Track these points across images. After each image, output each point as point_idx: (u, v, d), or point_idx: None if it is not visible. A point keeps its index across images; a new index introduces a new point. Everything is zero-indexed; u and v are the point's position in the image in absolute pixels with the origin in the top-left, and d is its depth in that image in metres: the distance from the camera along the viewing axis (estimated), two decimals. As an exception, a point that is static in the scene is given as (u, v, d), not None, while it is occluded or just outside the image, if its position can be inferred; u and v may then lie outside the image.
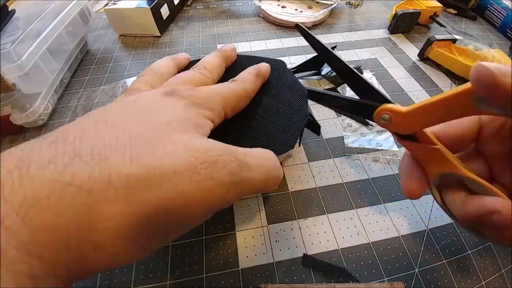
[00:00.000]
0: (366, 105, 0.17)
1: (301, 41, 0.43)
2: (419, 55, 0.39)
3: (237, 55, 0.24)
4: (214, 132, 0.16)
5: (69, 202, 0.09)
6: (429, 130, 0.16)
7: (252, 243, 0.22)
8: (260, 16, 0.49)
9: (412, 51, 0.41)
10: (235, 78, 0.19)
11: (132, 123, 0.12)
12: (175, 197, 0.11)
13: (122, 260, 0.11)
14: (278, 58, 0.24)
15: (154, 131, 0.12)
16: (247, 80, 0.19)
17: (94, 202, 0.09)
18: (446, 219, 0.23)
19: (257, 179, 0.13)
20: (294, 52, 0.41)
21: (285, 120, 0.20)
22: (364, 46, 0.42)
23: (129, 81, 0.36)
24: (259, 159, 0.14)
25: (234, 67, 0.23)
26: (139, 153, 0.11)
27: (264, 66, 0.21)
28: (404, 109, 0.15)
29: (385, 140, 0.28)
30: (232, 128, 0.19)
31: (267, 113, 0.20)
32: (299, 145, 0.19)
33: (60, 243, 0.09)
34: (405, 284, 0.19)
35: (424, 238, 0.22)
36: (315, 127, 0.25)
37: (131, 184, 0.10)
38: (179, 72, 0.21)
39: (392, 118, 0.16)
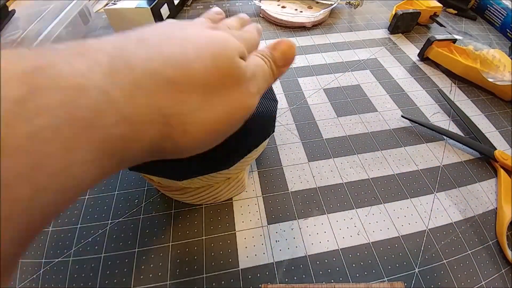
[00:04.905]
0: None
1: (301, 41, 0.43)
2: (419, 55, 0.39)
3: None
4: None
5: (164, 90, 0.11)
6: None
7: (252, 243, 0.22)
8: (260, 16, 0.49)
9: (412, 51, 0.41)
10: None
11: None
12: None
13: (201, 147, 0.13)
14: None
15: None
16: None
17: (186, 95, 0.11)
18: (446, 219, 0.23)
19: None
20: (294, 52, 0.41)
21: (260, 110, 0.21)
22: (364, 46, 0.42)
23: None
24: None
25: None
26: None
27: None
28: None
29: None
30: None
31: None
32: (273, 130, 0.20)
33: (154, 119, 0.10)
34: (405, 284, 0.19)
35: (424, 238, 0.22)
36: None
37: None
38: None
39: None
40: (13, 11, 0.31)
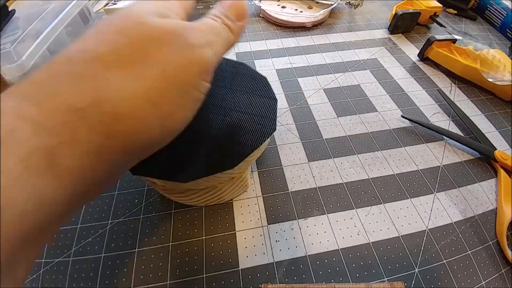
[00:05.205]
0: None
1: (301, 41, 0.43)
2: (419, 55, 0.39)
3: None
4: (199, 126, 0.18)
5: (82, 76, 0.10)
6: None
7: (252, 243, 0.22)
8: (260, 16, 0.49)
9: (412, 51, 0.41)
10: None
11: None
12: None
13: (154, 126, 0.11)
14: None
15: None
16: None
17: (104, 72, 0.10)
18: (446, 219, 0.23)
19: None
20: (294, 52, 0.41)
21: (261, 109, 0.21)
22: (364, 46, 0.42)
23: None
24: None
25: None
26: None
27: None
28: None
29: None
30: (216, 125, 0.20)
31: (243, 108, 0.21)
32: (275, 129, 0.20)
33: (76, 120, 0.09)
34: (405, 284, 0.19)
35: (424, 238, 0.22)
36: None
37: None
38: None
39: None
40: (13, 11, 0.31)
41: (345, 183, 0.25)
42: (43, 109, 0.09)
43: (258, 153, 0.21)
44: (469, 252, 0.21)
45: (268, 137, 0.19)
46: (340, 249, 0.21)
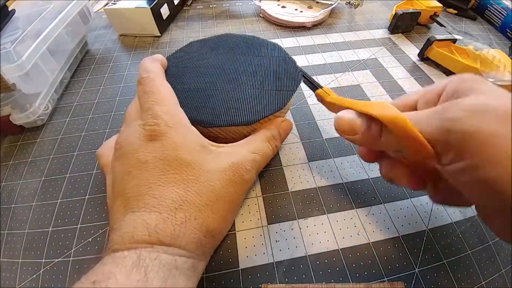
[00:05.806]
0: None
1: (301, 41, 0.43)
2: (419, 55, 0.39)
3: (233, 35, 0.30)
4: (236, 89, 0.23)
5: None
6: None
7: (252, 243, 0.22)
8: (260, 16, 0.49)
9: (412, 51, 0.41)
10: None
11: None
12: None
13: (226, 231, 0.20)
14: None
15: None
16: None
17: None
18: (446, 219, 0.23)
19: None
20: (294, 52, 0.41)
21: (285, 66, 0.25)
22: (364, 46, 0.42)
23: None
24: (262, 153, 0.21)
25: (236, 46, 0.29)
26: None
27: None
28: (328, 99, 0.23)
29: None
30: (247, 86, 0.24)
31: (274, 67, 0.26)
32: (302, 76, 0.25)
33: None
34: (405, 284, 0.19)
35: (424, 238, 0.22)
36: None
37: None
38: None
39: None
40: (13, 11, 0.31)
41: (345, 183, 0.25)
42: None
43: (291, 101, 0.25)
44: (469, 252, 0.21)
45: (299, 84, 0.24)
46: (340, 249, 0.21)
